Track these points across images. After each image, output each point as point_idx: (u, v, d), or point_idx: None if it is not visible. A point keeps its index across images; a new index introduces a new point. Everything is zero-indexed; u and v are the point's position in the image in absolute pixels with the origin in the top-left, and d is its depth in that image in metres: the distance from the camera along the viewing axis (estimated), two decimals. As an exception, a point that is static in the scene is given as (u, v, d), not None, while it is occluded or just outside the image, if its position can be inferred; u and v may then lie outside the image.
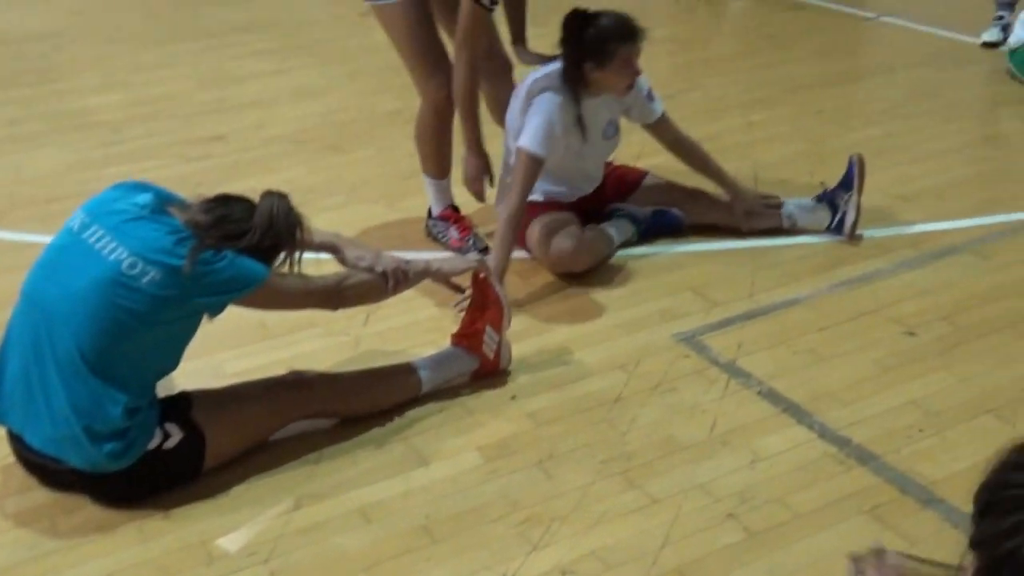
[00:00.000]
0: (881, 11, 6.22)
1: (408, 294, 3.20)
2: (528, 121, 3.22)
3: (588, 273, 3.34)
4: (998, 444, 1.07)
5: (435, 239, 3.59)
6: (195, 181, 3.75)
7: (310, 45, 5.89)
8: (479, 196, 3.48)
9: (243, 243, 2.28)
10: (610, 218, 3.56)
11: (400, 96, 4.83)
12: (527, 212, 3.37)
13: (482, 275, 2.82)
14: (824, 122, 4.61)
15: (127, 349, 2.25)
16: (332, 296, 2.54)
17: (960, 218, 3.67)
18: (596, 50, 3.16)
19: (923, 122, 4.56)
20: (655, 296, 3.23)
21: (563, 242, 3.29)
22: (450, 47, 3.35)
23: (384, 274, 2.59)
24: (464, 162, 3.40)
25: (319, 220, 3.73)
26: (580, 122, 3.27)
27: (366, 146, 4.46)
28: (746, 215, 3.54)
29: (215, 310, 2.32)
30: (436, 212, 3.61)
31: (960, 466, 2.42)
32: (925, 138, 4.38)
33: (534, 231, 3.35)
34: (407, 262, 2.66)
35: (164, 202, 2.33)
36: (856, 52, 5.83)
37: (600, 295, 3.25)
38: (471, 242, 3.50)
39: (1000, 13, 5.54)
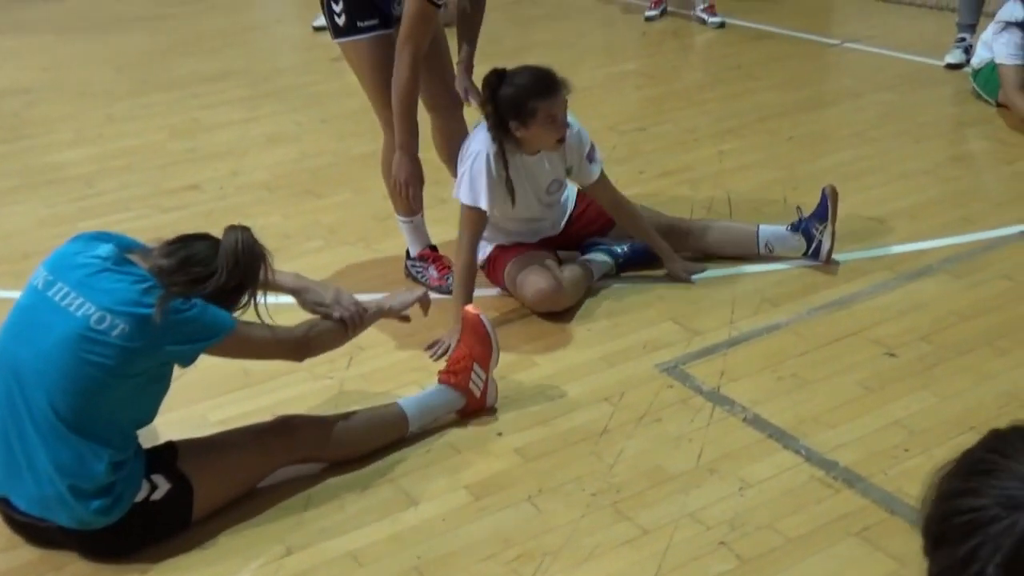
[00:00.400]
0: (845, 38, 6.31)
1: (391, 336, 3.23)
2: (461, 177, 3.23)
3: (568, 307, 3.35)
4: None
5: (414, 279, 3.59)
6: (171, 231, 3.65)
7: (281, 92, 5.91)
8: (413, 201, 3.42)
9: (210, 287, 2.27)
10: (587, 251, 3.58)
11: (373, 138, 4.83)
12: (500, 255, 3.40)
13: (474, 312, 2.83)
14: (795, 148, 4.66)
15: (102, 404, 2.23)
16: (299, 346, 2.54)
17: (933, 238, 3.71)
18: (517, 109, 3.12)
19: (892, 144, 4.62)
20: (636, 327, 3.25)
21: (541, 283, 3.29)
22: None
23: (343, 320, 2.60)
24: (396, 164, 3.32)
25: (298, 264, 3.75)
26: (508, 185, 3.22)
27: (341, 189, 4.47)
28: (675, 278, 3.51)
29: (186, 359, 2.31)
30: (414, 253, 3.62)
31: (947, 484, 2.42)
32: (895, 160, 4.44)
33: (511, 274, 3.36)
34: (362, 303, 2.67)
35: (125, 250, 2.32)
36: (823, 79, 5.90)
37: (582, 328, 3.26)
38: (450, 280, 3.50)
39: (962, 35, 5.63)
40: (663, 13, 7.02)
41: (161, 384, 2.36)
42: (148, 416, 2.39)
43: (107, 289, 2.21)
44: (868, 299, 3.33)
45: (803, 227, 3.56)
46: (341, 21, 3.30)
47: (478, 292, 3.48)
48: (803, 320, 3.23)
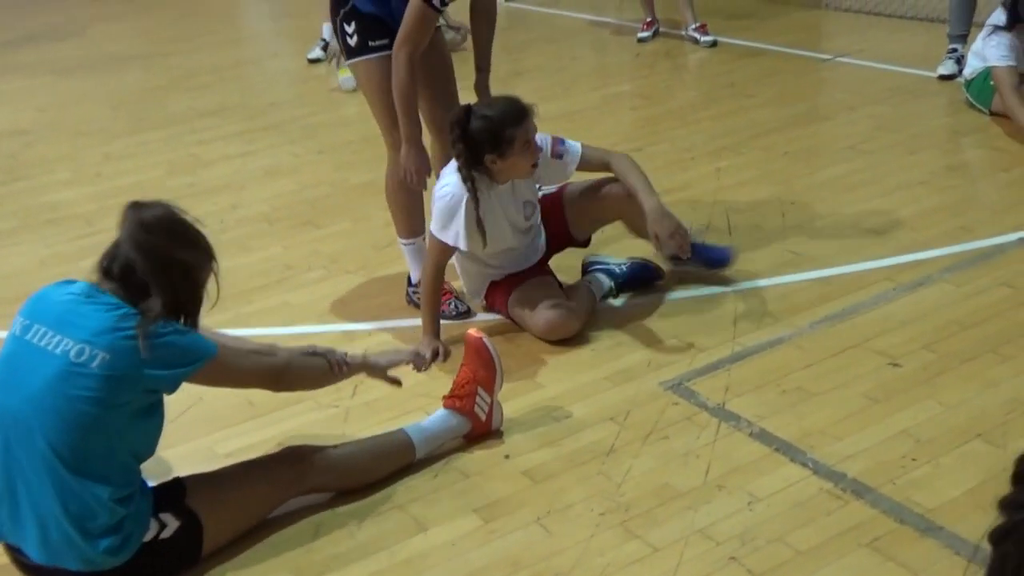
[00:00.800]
0: (836, 52, 6.34)
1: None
2: (436, 215, 3.22)
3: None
4: (990, 468, 1.09)
5: (416, 306, 3.59)
6: (173, 266, 3.75)
7: (277, 125, 5.94)
8: (419, 187, 3.43)
9: (152, 289, 2.24)
10: (586, 272, 3.59)
11: (370, 168, 4.88)
12: (497, 290, 3.42)
13: (477, 335, 2.83)
14: (791, 163, 4.68)
15: (98, 439, 2.22)
16: (279, 375, 2.51)
17: (933, 248, 3.72)
18: (493, 140, 3.11)
19: (888, 156, 4.64)
20: (639, 346, 3.25)
21: (551, 314, 3.29)
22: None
23: (327, 359, 2.59)
24: (404, 155, 3.35)
25: (300, 295, 3.80)
26: (480, 227, 3.19)
27: (341, 219, 4.49)
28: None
29: (170, 385, 2.28)
30: (415, 278, 3.63)
31: (955, 492, 2.43)
32: (891, 171, 4.45)
33: (517, 306, 3.36)
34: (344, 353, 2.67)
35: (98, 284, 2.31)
36: (816, 93, 5.93)
37: (585, 349, 3.27)
38: (452, 306, 3.51)
39: (953, 46, 5.66)
40: (655, 34, 7.07)
41: (155, 417, 2.34)
42: (147, 449, 2.37)
43: (82, 322, 2.21)
44: (870, 310, 3.33)
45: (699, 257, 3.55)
46: (353, 42, 3.40)
47: (481, 317, 3.51)
48: (805, 333, 3.24)
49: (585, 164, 3.40)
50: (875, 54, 6.18)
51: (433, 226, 3.25)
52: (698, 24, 6.81)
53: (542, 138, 3.30)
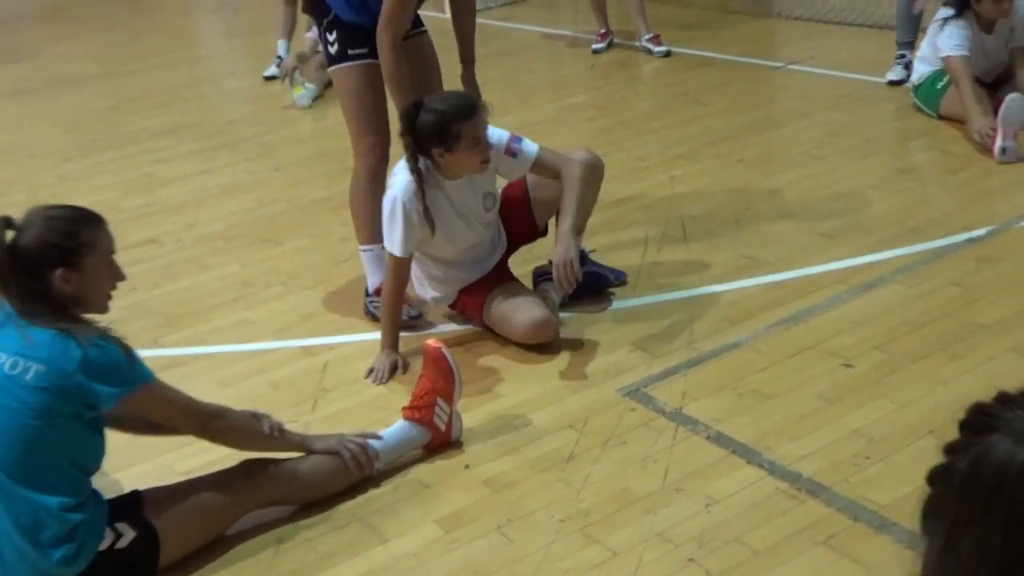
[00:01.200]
0: (788, 60, 6.42)
1: (355, 377, 3.25)
2: (383, 229, 3.24)
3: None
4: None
5: (373, 317, 3.60)
6: (130, 286, 3.71)
7: (234, 143, 5.92)
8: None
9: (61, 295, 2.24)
10: (537, 284, 3.59)
11: (327, 183, 4.90)
12: (468, 297, 3.42)
13: (435, 345, 2.84)
14: (745, 171, 4.73)
15: (41, 451, 2.21)
16: (210, 418, 2.49)
17: (884, 250, 3.77)
18: (441, 135, 3.11)
19: (840, 161, 4.70)
20: (597, 354, 3.28)
21: (536, 314, 3.29)
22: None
23: (259, 419, 2.58)
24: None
25: (259, 312, 3.80)
26: (427, 216, 3.19)
27: (299, 235, 4.48)
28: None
29: (106, 402, 2.27)
30: (372, 287, 3.63)
31: (908, 489, 2.46)
32: (843, 176, 4.51)
33: (494, 311, 3.36)
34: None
35: None
36: (769, 101, 6.00)
37: (543, 358, 3.29)
38: (410, 315, 3.52)
39: (901, 52, 5.74)
40: (610, 45, 7.12)
41: (97, 433, 2.33)
42: (93, 463, 2.36)
43: (12, 336, 2.22)
44: (823, 312, 3.38)
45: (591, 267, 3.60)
46: (334, 50, 3.54)
47: (443, 328, 3.52)
48: (761, 337, 3.28)
49: (539, 168, 3.38)
50: (826, 61, 6.26)
51: (385, 240, 3.27)
52: (652, 35, 6.87)
53: (500, 134, 3.30)
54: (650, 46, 6.85)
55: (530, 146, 3.37)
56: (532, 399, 3.06)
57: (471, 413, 2.96)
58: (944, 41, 4.82)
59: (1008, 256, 3.64)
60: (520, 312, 3.31)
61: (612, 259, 3.72)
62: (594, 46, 7.10)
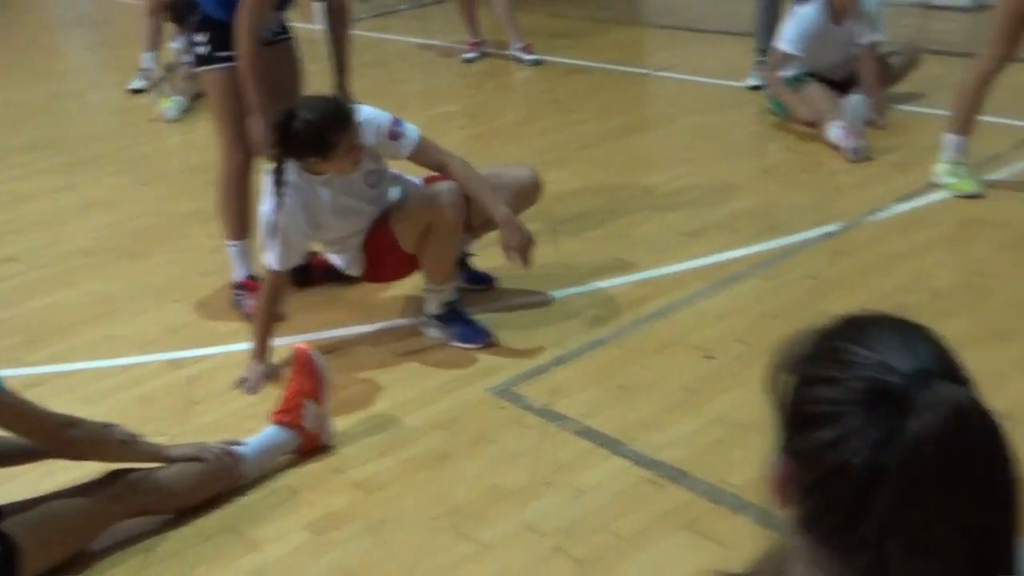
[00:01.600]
0: (655, 67, 6.58)
1: (224, 388, 3.22)
2: (264, 240, 3.22)
3: (402, 341, 3.41)
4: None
5: (240, 310, 3.61)
6: (-11, 303, 3.64)
7: (98, 158, 5.79)
8: (263, 151, 3.39)
9: None
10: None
11: (195, 197, 4.82)
12: (376, 247, 3.34)
13: (304, 348, 2.84)
14: (614, 175, 4.83)
15: None
16: (64, 428, 2.44)
17: (745, 246, 3.90)
18: (317, 144, 3.07)
19: (705, 164, 4.84)
20: (467, 354, 3.31)
21: (449, 184, 3.23)
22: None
23: (110, 428, 2.55)
24: (247, 123, 3.43)
25: (128, 327, 3.73)
26: (311, 219, 3.19)
27: (166, 250, 4.41)
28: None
29: None
30: (236, 280, 3.68)
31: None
32: (708, 178, 4.65)
33: (410, 211, 3.27)
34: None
35: None
36: (637, 107, 6.14)
37: (414, 361, 3.31)
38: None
39: (760, 59, 5.93)
40: (482, 55, 7.19)
41: None
42: None
43: None
44: (687, 307, 3.48)
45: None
46: (204, 51, 3.54)
47: (324, 334, 3.50)
48: (627, 333, 3.36)
49: (421, 155, 3.32)
50: (691, 68, 6.44)
51: (264, 254, 3.25)
52: (523, 44, 6.95)
53: (382, 117, 3.26)
54: (521, 55, 6.93)
55: (412, 129, 3.32)
56: (403, 402, 3.08)
57: (343, 417, 2.97)
58: (786, 29, 5.05)
59: (859, 249, 3.81)
60: (436, 190, 3.23)
61: (483, 262, 3.77)
62: (465, 55, 7.16)
